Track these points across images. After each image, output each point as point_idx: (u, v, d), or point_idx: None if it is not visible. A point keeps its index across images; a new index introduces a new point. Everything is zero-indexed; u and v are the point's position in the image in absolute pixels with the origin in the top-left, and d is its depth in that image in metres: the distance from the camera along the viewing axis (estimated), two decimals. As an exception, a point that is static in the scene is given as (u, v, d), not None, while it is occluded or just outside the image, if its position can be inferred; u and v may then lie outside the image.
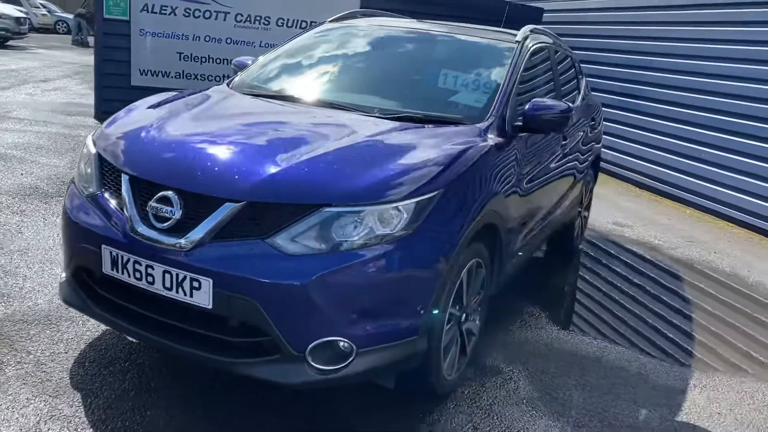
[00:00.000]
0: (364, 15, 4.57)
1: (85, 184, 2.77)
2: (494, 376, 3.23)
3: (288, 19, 9.28)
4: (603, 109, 8.92)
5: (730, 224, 6.85)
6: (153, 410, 2.64)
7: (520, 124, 3.38)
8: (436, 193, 2.57)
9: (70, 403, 2.62)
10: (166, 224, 2.44)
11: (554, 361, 3.48)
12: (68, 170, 6.01)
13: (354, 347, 2.42)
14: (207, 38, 9.06)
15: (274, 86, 3.67)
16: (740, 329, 4.32)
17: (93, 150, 2.82)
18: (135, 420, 2.56)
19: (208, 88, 3.63)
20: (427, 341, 2.63)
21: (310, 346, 2.38)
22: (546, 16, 10.12)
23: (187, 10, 8.89)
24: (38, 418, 2.50)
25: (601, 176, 8.89)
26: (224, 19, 9.06)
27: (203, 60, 9.11)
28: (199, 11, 8.94)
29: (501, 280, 3.41)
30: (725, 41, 7.10)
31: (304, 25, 9.32)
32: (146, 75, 8.96)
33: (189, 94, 3.43)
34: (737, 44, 6.94)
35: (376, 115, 3.18)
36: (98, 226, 2.60)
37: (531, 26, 4.12)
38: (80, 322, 3.26)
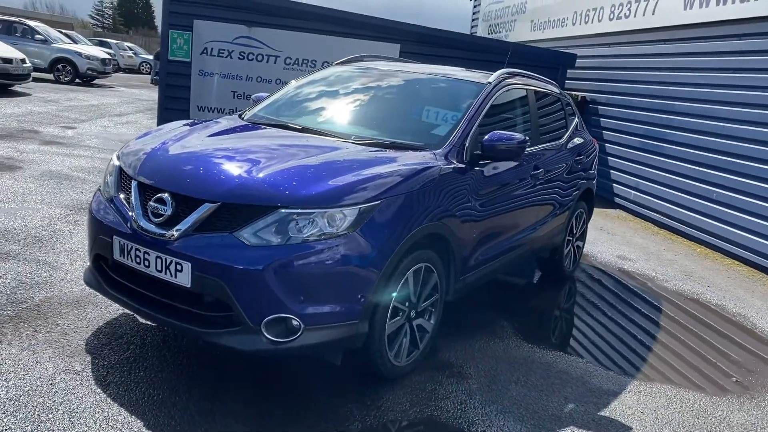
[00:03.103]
0: (368, 58, 5.19)
1: (107, 189, 3.48)
2: (446, 369, 3.70)
3: (332, 63, 10.06)
4: (621, 149, 9.27)
5: (737, 262, 7.04)
6: (145, 372, 3.25)
7: (479, 153, 3.90)
8: (378, 202, 3.13)
9: (81, 362, 3.27)
10: (160, 219, 3.09)
11: (506, 363, 3.91)
12: (122, 190, 6.86)
13: (302, 324, 2.97)
14: (259, 79, 9.98)
15: (274, 116, 4.34)
16: (700, 350, 4.59)
17: (116, 163, 3.53)
18: (130, 378, 3.18)
19: (222, 117, 4.33)
20: (369, 326, 3.16)
21: (265, 320, 2.95)
22: (578, 62, 10.56)
23: (242, 54, 9.85)
24: (55, 371, 3.16)
25: (623, 215, 9.20)
26: (275, 62, 9.98)
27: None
28: (253, 54, 9.89)
29: (458, 288, 3.89)
30: (738, 87, 7.38)
31: (347, 67, 10.14)
32: (203, 111, 9.94)
33: (203, 122, 4.13)
34: (749, 90, 7.20)
35: (351, 140, 3.77)
36: (112, 221, 3.28)
37: (509, 69, 4.67)
38: (103, 306, 3.94)
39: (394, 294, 3.28)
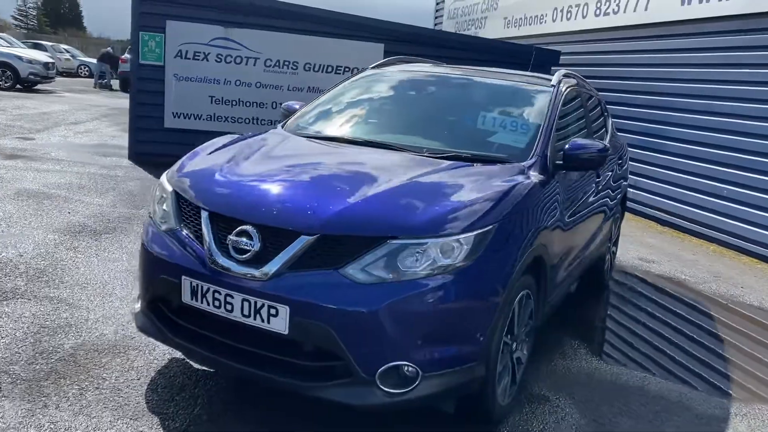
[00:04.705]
0: (403, 62, 4.81)
1: (163, 220, 2.98)
2: (543, 404, 3.37)
3: (315, 64, 9.62)
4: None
5: (754, 260, 6.98)
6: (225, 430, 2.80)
7: (561, 162, 3.58)
8: (492, 226, 2.76)
9: (150, 425, 2.78)
10: (245, 256, 2.63)
11: (598, 391, 3.61)
12: (111, 209, 6.26)
13: (419, 371, 2.58)
14: (237, 82, 9.41)
15: (327, 129, 3.90)
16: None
17: (169, 188, 3.04)
18: (211, 442, 2.72)
19: (264, 132, 3.87)
20: (485, 367, 2.79)
21: (380, 370, 2.54)
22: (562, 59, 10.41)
23: (219, 56, 9.25)
24: (122, 440, 2.67)
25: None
26: (254, 64, 9.42)
27: (234, 103, 9.44)
28: (231, 57, 9.30)
29: (546, 311, 3.56)
30: (739, 82, 7.34)
31: (329, 69, 9.69)
32: (179, 118, 9.29)
33: (249, 137, 3.66)
34: (752, 85, 7.16)
35: (425, 154, 3.39)
36: (178, 258, 2.80)
37: (563, 70, 4.37)
38: (146, 351, 3.44)
39: (505, 328, 2.92)
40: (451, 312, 2.64)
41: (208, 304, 2.70)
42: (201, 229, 2.78)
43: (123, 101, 18.81)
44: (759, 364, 4.35)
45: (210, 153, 3.35)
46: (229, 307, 2.66)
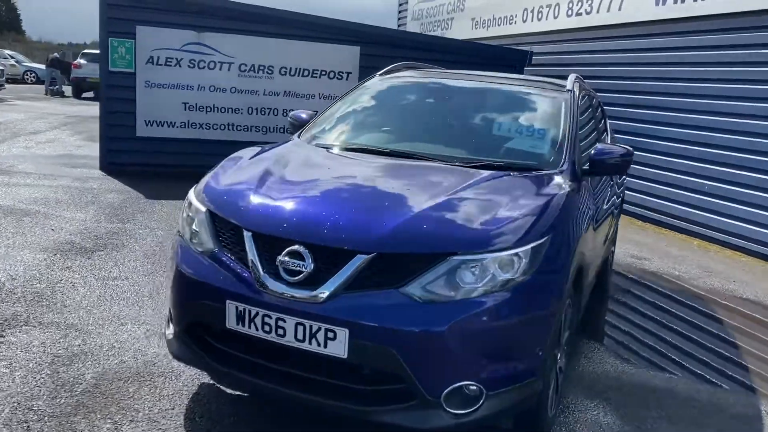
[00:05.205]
0: (408, 67, 4.72)
1: (198, 242, 2.83)
2: (583, 412, 3.34)
3: (291, 68, 9.46)
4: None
5: (738, 253, 7.15)
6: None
7: (587, 168, 3.57)
8: (546, 237, 2.71)
9: (198, 459, 2.64)
10: (297, 278, 2.51)
11: (631, 396, 3.60)
12: (96, 224, 6.01)
13: (484, 390, 2.51)
14: (211, 88, 9.18)
15: (351, 139, 3.80)
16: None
17: (203, 208, 2.89)
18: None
19: (283, 143, 3.73)
20: (542, 381, 2.74)
21: (446, 391, 2.46)
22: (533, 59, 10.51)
23: (192, 62, 9.01)
24: (172, 476, 2.52)
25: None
26: (228, 69, 9.21)
27: (208, 110, 9.21)
28: (204, 62, 9.07)
29: (578, 318, 3.54)
30: (714, 80, 7.51)
31: (306, 73, 9.54)
32: (151, 126, 9.01)
33: (271, 150, 3.51)
34: (727, 83, 7.33)
35: (457, 164, 3.32)
36: (221, 282, 2.65)
37: (573, 75, 4.36)
38: (173, 377, 3.28)
39: (555, 340, 2.88)
40: (514, 328, 2.57)
41: (257, 329, 2.57)
42: (244, 251, 2.65)
43: (79, 108, 18.27)
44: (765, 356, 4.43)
45: (237, 169, 3.20)
46: (280, 331, 2.53)
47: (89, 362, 3.36)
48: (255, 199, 2.81)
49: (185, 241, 2.91)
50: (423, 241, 2.56)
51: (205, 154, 9.30)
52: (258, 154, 3.43)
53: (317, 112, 4.23)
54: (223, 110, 9.29)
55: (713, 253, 7.23)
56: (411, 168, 3.28)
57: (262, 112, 9.49)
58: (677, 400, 3.61)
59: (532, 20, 11.00)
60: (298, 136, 3.91)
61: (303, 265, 2.52)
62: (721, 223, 7.41)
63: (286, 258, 2.54)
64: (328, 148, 3.62)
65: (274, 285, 2.54)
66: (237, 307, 2.60)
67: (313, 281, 2.51)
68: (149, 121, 9.00)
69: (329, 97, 9.75)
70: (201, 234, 2.84)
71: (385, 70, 4.61)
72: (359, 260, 2.48)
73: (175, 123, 9.12)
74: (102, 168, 8.85)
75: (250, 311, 2.57)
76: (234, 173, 3.15)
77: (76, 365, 3.31)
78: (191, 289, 2.77)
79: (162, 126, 9.07)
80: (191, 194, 3.06)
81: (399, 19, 17.30)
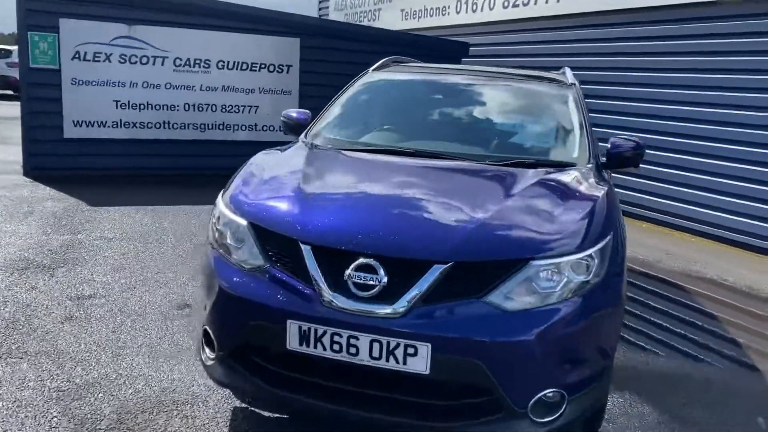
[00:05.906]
0: (396, 62, 4.58)
1: (243, 258, 2.59)
2: (620, 406, 3.35)
3: (229, 62, 9.05)
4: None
5: (704, 239, 7.43)
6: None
7: (604, 161, 3.58)
8: (609, 237, 2.67)
9: (264, 495, 2.42)
10: (370, 292, 2.35)
11: (654, 383, 3.65)
12: (45, 237, 5.49)
13: (565, 396, 2.44)
14: (145, 84, 8.65)
15: (376, 141, 3.62)
16: None
17: (242, 221, 2.64)
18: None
19: (294, 144, 3.51)
20: (609, 381, 2.71)
21: (532, 401, 2.38)
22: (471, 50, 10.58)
23: (123, 56, 8.44)
24: None
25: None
26: (162, 64, 8.70)
27: (142, 107, 8.68)
28: (136, 57, 8.52)
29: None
30: (663, 70, 7.81)
31: (245, 66, 9.16)
32: (80, 126, 8.39)
33: (294, 154, 3.29)
34: (724, 73, 7.33)
35: (487, 162, 3.24)
36: (278, 301, 2.44)
37: (566, 67, 4.37)
38: (200, 404, 3.01)
39: (616, 335, 2.86)
40: (591, 329, 2.52)
41: (325, 349, 2.38)
42: (301, 266, 2.44)
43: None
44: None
45: (268, 177, 2.96)
46: (353, 350, 2.36)
47: (101, 394, 3.04)
48: (307, 211, 2.60)
49: (224, 257, 2.66)
50: (500, 247, 2.46)
51: (140, 155, 8.80)
52: (280, 159, 3.19)
53: (309, 111, 3.99)
54: (158, 107, 8.78)
55: (675, 238, 7.54)
56: (453, 170, 3.15)
57: (200, 109, 9.04)
58: (698, 385, 3.68)
59: (466, 11, 11.06)
60: (305, 137, 3.68)
61: (375, 278, 2.35)
62: (673, 207, 7.67)
63: (356, 272, 2.36)
64: (352, 150, 3.41)
65: (343, 301, 2.36)
66: (300, 327, 2.39)
67: (387, 295, 2.35)
68: (78, 122, 8.37)
69: (269, 92, 9.42)
70: (245, 249, 2.60)
71: (376, 65, 4.43)
72: (437, 270, 2.34)
73: (106, 122, 8.52)
74: (26, 174, 8.15)
75: (316, 330, 2.38)
76: (267, 182, 2.91)
77: (89, 400, 2.98)
78: (241, 310, 2.53)
79: (92, 126, 8.46)
80: (222, 207, 2.80)
81: (320, 9, 16.99)
